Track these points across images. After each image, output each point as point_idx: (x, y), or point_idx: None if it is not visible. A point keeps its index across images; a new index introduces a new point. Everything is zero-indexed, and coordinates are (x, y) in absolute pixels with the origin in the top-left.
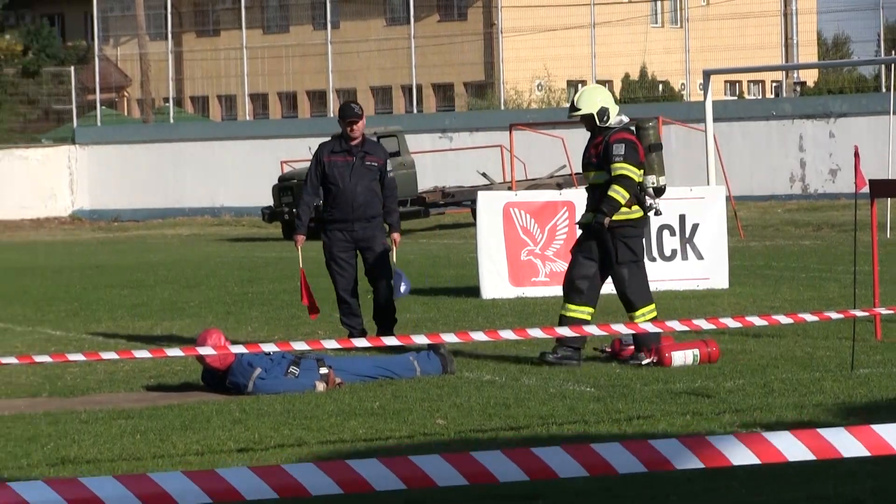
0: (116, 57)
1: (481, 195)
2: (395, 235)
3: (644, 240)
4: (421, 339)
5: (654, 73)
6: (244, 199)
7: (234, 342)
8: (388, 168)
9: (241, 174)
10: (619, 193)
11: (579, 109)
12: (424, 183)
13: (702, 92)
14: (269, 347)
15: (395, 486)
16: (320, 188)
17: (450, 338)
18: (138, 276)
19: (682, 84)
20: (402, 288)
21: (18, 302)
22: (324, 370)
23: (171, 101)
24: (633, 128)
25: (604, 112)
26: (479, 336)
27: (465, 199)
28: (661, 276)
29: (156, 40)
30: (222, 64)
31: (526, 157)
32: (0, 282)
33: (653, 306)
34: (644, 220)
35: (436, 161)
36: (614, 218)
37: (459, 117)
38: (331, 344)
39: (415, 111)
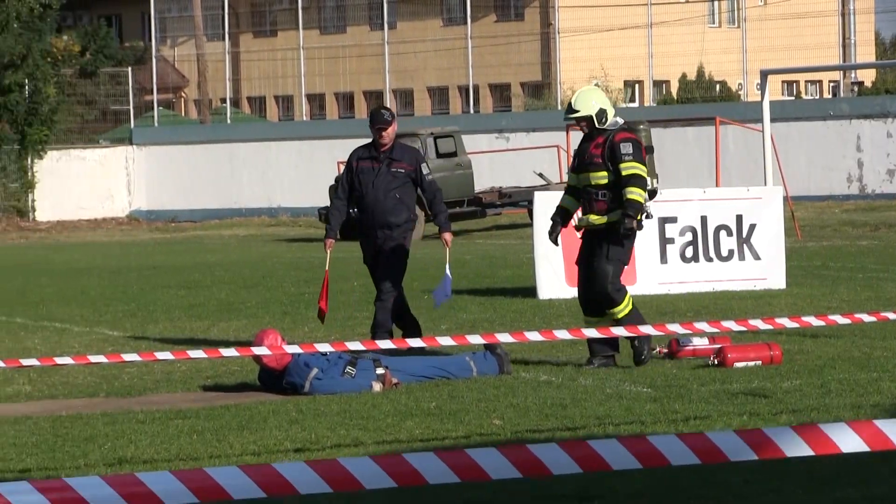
0: (174, 57)
1: (538, 195)
2: (446, 235)
3: (632, 248)
4: (477, 340)
5: (712, 74)
6: (301, 200)
7: (291, 342)
8: (426, 171)
9: (298, 174)
10: (638, 194)
11: (577, 112)
12: (481, 183)
13: (759, 92)
14: (325, 348)
15: (450, 479)
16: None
17: (506, 338)
18: (195, 277)
19: (740, 84)
20: (441, 299)
21: (76, 302)
22: (380, 370)
23: (228, 101)
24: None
25: (602, 113)
26: (535, 336)
27: (521, 199)
28: (717, 276)
29: (213, 41)
30: (279, 64)
31: None
32: (58, 282)
33: (628, 300)
34: (640, 223)
35: (493, 161)
36: (610, 219)
37: (516, 117)
38: (386, 344)
39: (472, 111)
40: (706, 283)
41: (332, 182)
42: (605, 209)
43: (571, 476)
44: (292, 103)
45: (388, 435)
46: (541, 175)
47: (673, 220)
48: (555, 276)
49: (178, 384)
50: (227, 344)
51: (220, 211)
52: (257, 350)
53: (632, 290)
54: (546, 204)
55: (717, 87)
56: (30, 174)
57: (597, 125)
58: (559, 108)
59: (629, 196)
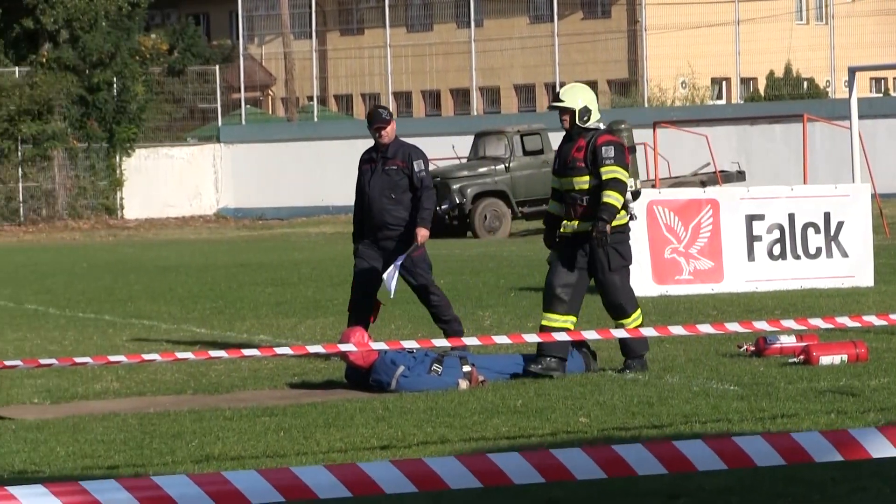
0: (261, 56)
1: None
2: (419, 230)
3: (630, 246)
4: (563, 337)
5: (799, 71)
6: None
7: (377, 340)
8: (418, 168)
9: None
10: (615, 199)
11: (563, 101)
12: None
13: (847, 89)
14: (412, 345)
15: (534, 479)
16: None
17: (592, 335)
18: (282, 274)
19: (827, 81)
20: (392, 285)
21: (164, 300)
22: (467, 368)
23: (315, 99)
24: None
25: (585, 112)
26: (620, 333)
27: None
28: (805, 273)
29: (300, 39)
30: (366, 62)
31: (670, 155)
32: (146, 280)
33: (640, 311)
34: (626, 226)
35: None
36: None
37: (603, 115)
38: (472, 341)
39: None
40: (794, 281)
41: None
42: (587, 214)
43: (659, 474)
44: (379, 101)
45: (474, 433)
46: None
47: (760, 217)
48: (642, 274)
49: (265, 381)
50: (314, 341)
51: (307, 209)
52: (344, 347)
53: (719, 287)
54: (631, 201)
55: (805, 84)
56: (118, 172)
57: (577, 122)
58: (646, 105)
59: (605, 199)
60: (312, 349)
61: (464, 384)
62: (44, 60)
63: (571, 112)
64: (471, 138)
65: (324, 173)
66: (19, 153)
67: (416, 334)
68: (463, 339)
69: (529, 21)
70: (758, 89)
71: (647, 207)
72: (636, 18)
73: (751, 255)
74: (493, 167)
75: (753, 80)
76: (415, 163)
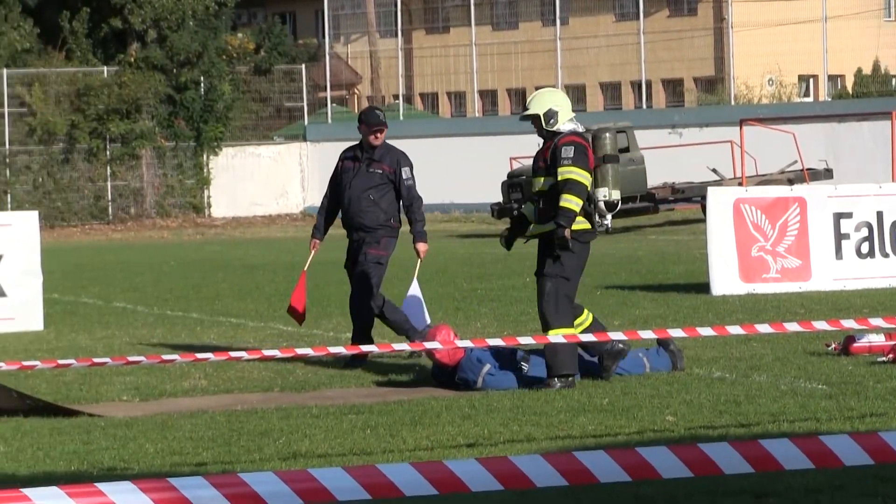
0: (347, 54)
1: (711, 191)
2: (420, 246)
3: (581, 257)
4: (649, 336)
5: (888, 68)
6: (473, 196)
7: (463, 338)
8: (406, 175)
9: (470, 171)
10: (571, 202)
11: (528, 110)
12: (654, 179)
13: None
14: (498, 343)
15: (620, 477)
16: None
17: (678, 334)
18: None
19: None
20: (421, 319)
21: (251, 298)
22: None
23: (400, 98)
24: (587, 135)
25: (551, 115)
26: (707, 332)
27: (694, 194)
28: (894, 272)
29: (386, 38)
30: (452, 61)
31: (756, 153)
32: (233, 278)
33: (571, 330)
34: (589, 234)
35: (665, 157)
36: (548, 228)
37: (689, 113)
38: (557, 339)
39: (644, 107)
40: (882, 279)
41: (505, 178)
42: (543, 217)
43: (746, 473)
44: (464, 99)
45: (560, 431)
46: (714, 170)
47: (848, 215)
48: (728, 272)
49: (351, 379)
50: (400, 339)
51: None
52: (430, 345)
53: (807, 285)
54: (719, 199)
55: (893, 81)
56: (205, 171)
57: (543, 125)
58: (732, 102)
59: (561, 203)
60: (398, 347)
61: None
62: (132, 60)
63: (536, 118)
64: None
65: None
66: (108, 152)
67: (502, 332)
68: (549, 337)
69: (615, 19)
70: (845, 86)
71: (734, 205)
72: (722, 16)
73: (839, 253)
74: None
75: (841, 78)
76: (403, 169)
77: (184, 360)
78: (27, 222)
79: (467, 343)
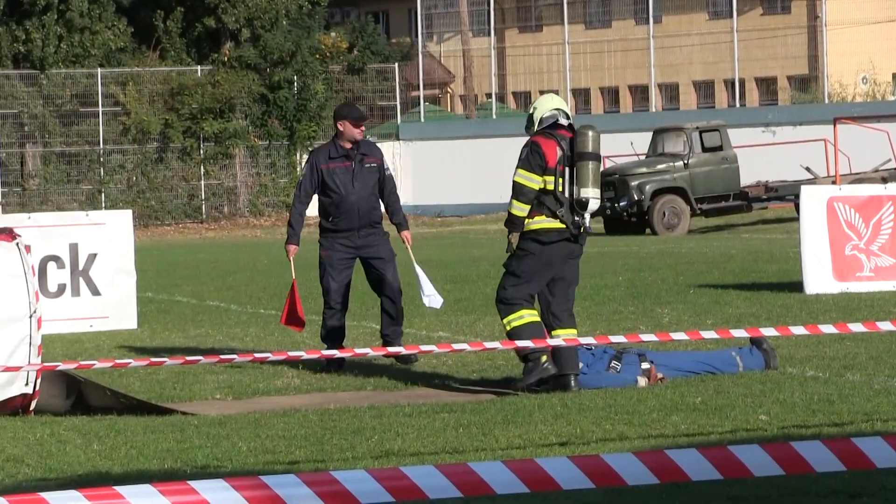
0: (440, 53)
1: (805, 189)
2: (406, 234)
3: (540, 258)
4: (742, 334)
5: None
6: None
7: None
8: (386, 166)
9: None
10: (515, 207)
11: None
12: (747, 177)
13: None
14: (590, 341)
15: (713, 476)
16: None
17: (771, 332)
18: (461, 271)
19: None
20: (437, 301)
21: None
22: (645, 365)
23: (493, 96)
24: (553, 130)
25: (528, 121)
26: (800, 331)
27: (788, 193)
28: None
29: (478, 36)
30: (545, 59)
31: (850, 151)
32: None
33: (510, 317)
34: (554, 234)
35: (759, 155)
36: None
37: (782, 111)
38: (650, 338)
39: (737, 105)
40: None
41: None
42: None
43: (839, 472)
44: None
45: (652, 430)
46: (808, 169)
47: None
48: (822, 271)
49: (443, 378)
50: (493, 338)
51: (486, 206)
52: (522, 344)
53: None
54: (813, 198)
55: None
56: (298, 170)
57: (525, 131)
58: (826, 101)
59: (508, 210)
60: (490, 346)
61: (642, 381)
62: (225, 59)
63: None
64: (649, 135)
65: (502, 170)
66: (201, 151)
67: (595, 331)
68: (641, 335)
69: (708, 17)
70: None
71: (828, 204)
72: (816, 14)
73: None
74: (671, 164)
75: None
76: (384, 160)
77: (277, 357)
78: (121, 221)
79: (559, 342)
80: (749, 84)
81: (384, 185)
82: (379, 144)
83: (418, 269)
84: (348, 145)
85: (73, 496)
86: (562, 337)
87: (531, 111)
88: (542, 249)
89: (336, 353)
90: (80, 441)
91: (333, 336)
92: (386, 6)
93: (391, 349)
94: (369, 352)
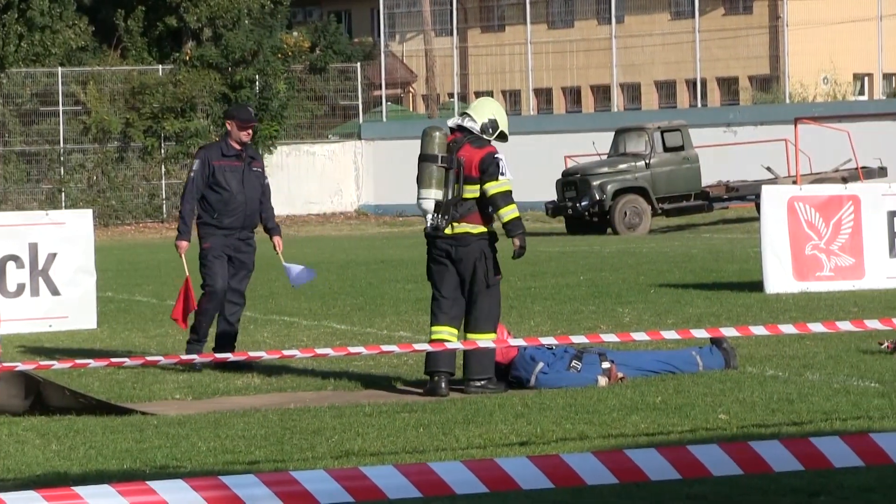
0: (402, 53)
1: (766, 189)
2: (277, 239)
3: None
4: (702, 334)
5: None
6: (527, 194)
7: (517, 336)
8: (266, 173)
9: (525, 169)
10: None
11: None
12: (708, 177)
13: None
14: (550, 341)
15: (671, 475)
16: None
17: (731, 332)
18: (422, 271)
19: None
20: (305, 274)
21: (305, 296)
22: (606, 365)
23: (455, 96)
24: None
25: (494, 128)
26: (760, 331)
27: (749, 193)
28: None
29: (441, 36)
30: (507, 59)
31: (811, 151)
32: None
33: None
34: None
35: (720, 155)
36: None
37: (744, 111)
38: (611, 338)
39: (699, 105)
40: None
41: (559, 176)
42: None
43: (798, 471)
44: (519, 98)
45: (613, 429)
46: (769, 169)
47: None
48: (782, 271)
49: (404, 377)
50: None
51: None
52: (483, 344)
53: (860, 284)
54: (773, 197)
55: None
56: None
57: (483, 136)
58: (787, 101)
59: (509, 217)
60: (451, 346)
61: (603, 381)
62: (187, 58)
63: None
64: (611, 135)
65: None
66: (163, 151)
67: (556, 330)
68: (601, 335)
69: (670, 17)
70: None
71: (789, 204)
72: (778, 14)
73: (892, 251)
74: (633, 163)
75: None
76: (264, 166)
77: (237, 358)
78: (81, 220)
79: (520, 342)
80: (711, 84)
81: (263, 193)
82: (341, 144)
83: (285, 263)
84: (237, 146)
85: (32, 497)
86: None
87: (493, 117)
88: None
89: (297, 353)
90: (38, 441)
91: (198, 349)
92: (348, 6)
93: (219, 356)
94: (196, 358)
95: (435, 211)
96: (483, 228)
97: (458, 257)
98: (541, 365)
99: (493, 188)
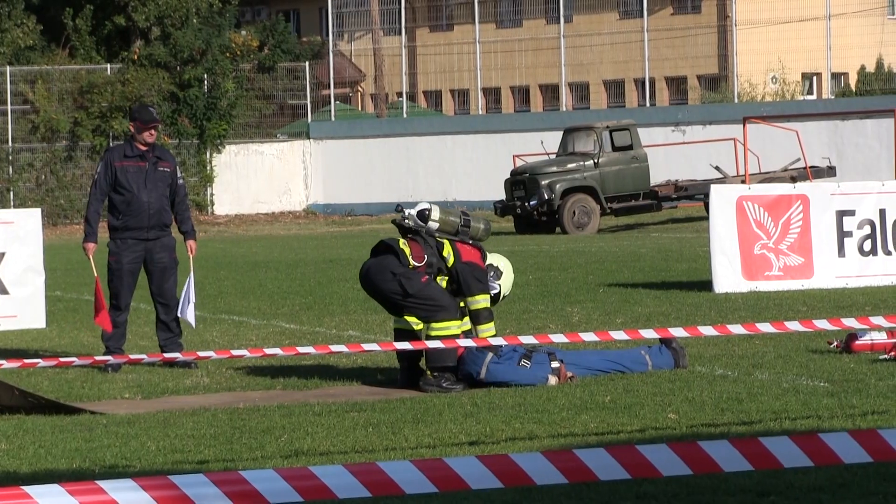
0: (350, 52)
1: (714, 188)
2: (192, 243)
3: None
4: (651, 334)
5: (891, 65)
6: (476, 193)
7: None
8: (179, 174)
9: (474, 168)
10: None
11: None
12: (657, 176)
13: None
14: (498, 342)
15: (621, 475)
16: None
17: (680, 332)
18: None
19: None
20: (189, 313)
21: (254, 295)
22: (555, 364)
23: (404, 95)
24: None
25: (468, 229)
26: (709, 331)
27: (698, 192)
28: None
29: (389, 35)
30: (455, 58)
31: (760, 151)
32: (236, 275)
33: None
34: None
35: (668, 154)
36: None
37: (693, 110)
38: (560, 338)
39: (648, 104)
40: (885, 277)
41: (508, 175)
42: None
43: (748, 471)
44: (468, 97)
45: (562, 428)
46: (717, 168)
47: (851, 213)
48: (731, 270)
49: (353, 377)
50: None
51: (396, 204)
52: (432, 345)
53: (809, 283)
54: (722, 197)
55: None
56: (208, 168)
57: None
58: (736, 100)
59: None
60: (400, 346)
61: (553, 380)
62: (135, 57)
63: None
64: (560, 134)
65: (413, 169)
66: None
67: (504, 330)
68: (550, 335)
69: (619, 16)
70: (849, 84)
71: (737, 203)
72: (726, 13)
73: (841, 251)
74: (581, 163)
75: (844, 76)
76: (178, 168)
77: (186, 357)
78: (30, 219)
79: (469, 342)
80: (659, 83)
81: (176, 193)
82: (289, 143)
83: (191, 281)
84: (143, 147)
85: None
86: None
87: (468, 221)
88: None
89: (246, 353)
90: None
91: (118, 336)
92: (297, 5)
93: (167, 355)
94: (144, 357)
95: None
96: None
97: None
98: (490, 356)
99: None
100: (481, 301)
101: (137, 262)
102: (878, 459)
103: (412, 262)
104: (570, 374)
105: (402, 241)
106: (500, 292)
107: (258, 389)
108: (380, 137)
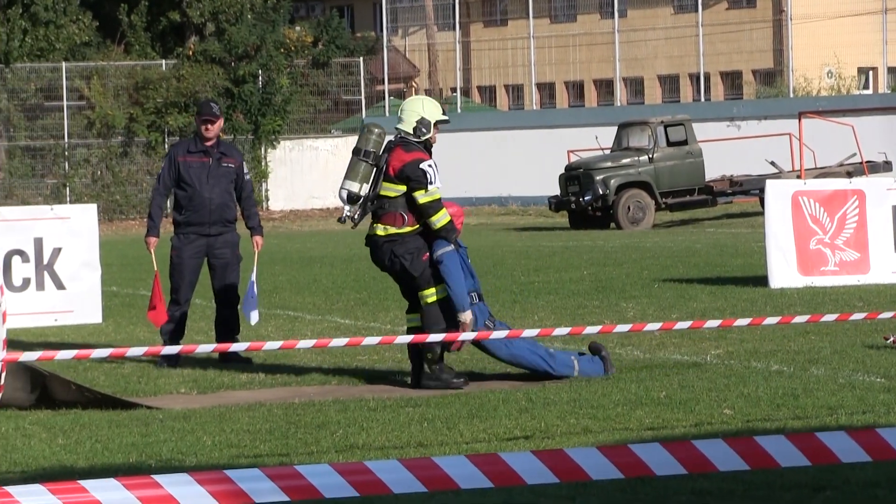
0: (405, 47)
1: (770, 184)
2: (258, 239)
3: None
4: (713, 324)
5: None
6: (531, 189)
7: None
8: (245, 171)
9: (528, 164)
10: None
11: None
12: (712, 172)
13: None
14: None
15: (677, 470)
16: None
17: (742, 323)
18: None
19: None
20: (252, 313)
21: (308, 291)
22: (489, 323)
23: (458, 91)
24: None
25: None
26: (771, 320)
27: (753, 187)
28: None
29: (444, 30)
30: (510, 53)
31: (815, 145)
32: (291, 271)
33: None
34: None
35: (723, 149)
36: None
37: (747, 105)
38: (623, 328)
39: (702, 99)
40: None
41: (563, 171)
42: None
43: (804, 466)
44: (522, 92)
45: (617, 424)
46: (772, 163)
47: None
48: (787, 265)
49: (409, 372)
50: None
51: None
52: (464, 336)
53: (865, 278)
54: (778, 192)
55: None
56: (263, 164)
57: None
58: (791, 95)
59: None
60: (460, 338)
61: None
62: (190, 53)
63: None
64: (614, 129)
65: (467, 165)
66: (166, 145)
67: (559, 325)
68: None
69: (673, 11)
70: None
71: (793, 198)
72: (782, 8)
73: None
74: (636, 158)
75: None
76: (244, 164)
77: (242, 350)
78: (86, 215)
79: (468, 336)
80: (714, 78)
81: (242, 189)
82: (344, 139)
83: (253, 279)
84: (208, 142)
85: (38, 490)
86: None
87: (421, 116)
88: None
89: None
90: (44, 435)
91: (177, 332)
92: (350, 1)
93: (221, 345)
94: (197, 348)
95: (350, 202)
96: (395, 230)
97: (374, 261)
98: (450, 248)
99: (421, 197)
100: (419, 197)
101: (198, 257)
102: None
103: (399, 230)
104: (461, 342)
105: (378, 227)
106: (437, 185)
107: (313, 384)
108: None
